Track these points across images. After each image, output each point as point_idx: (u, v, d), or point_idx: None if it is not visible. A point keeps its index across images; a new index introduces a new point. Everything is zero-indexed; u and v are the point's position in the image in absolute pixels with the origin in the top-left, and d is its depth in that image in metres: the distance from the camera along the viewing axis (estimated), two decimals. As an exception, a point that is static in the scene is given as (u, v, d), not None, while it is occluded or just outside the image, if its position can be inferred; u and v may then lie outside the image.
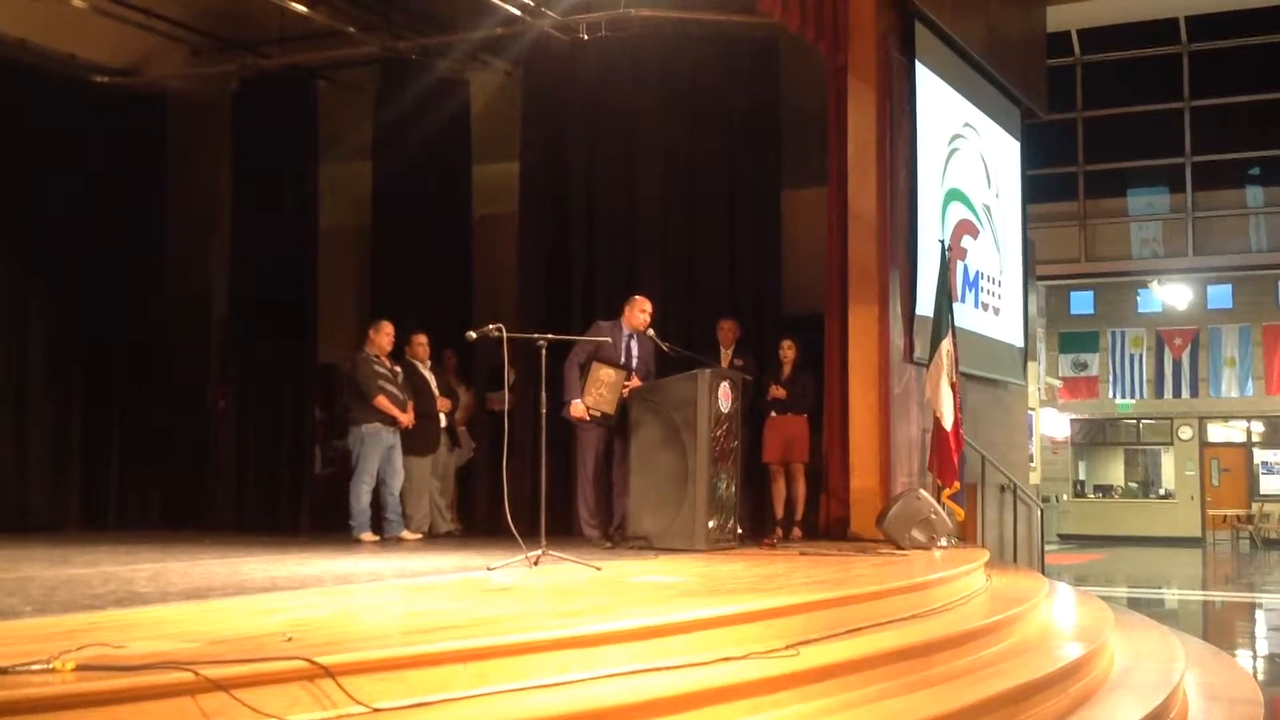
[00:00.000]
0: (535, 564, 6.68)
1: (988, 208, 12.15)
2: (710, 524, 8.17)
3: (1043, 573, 10.92)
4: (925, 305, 10.09)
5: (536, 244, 11.08)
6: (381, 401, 9.50)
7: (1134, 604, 13.16)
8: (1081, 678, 5.84)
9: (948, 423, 9.50)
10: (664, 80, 10.84)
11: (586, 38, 10.93)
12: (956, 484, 9.57)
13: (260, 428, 11.79)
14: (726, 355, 9.87)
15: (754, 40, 10.75)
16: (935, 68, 10.81)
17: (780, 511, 9.89)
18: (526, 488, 8.95)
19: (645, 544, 8.20)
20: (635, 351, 8.83)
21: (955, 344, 9.66)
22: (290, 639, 3.76)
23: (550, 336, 7.49)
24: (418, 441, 9.92)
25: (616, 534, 8.68)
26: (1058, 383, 28.92)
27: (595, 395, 8.50)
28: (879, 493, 9.48)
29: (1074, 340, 29.22)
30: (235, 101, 12.32)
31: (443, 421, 10.35)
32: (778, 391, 9.75)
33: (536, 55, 11.33)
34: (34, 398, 11.25)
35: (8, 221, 11.16)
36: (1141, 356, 28.10)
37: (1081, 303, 29.54)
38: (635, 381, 8.66)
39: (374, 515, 9.53)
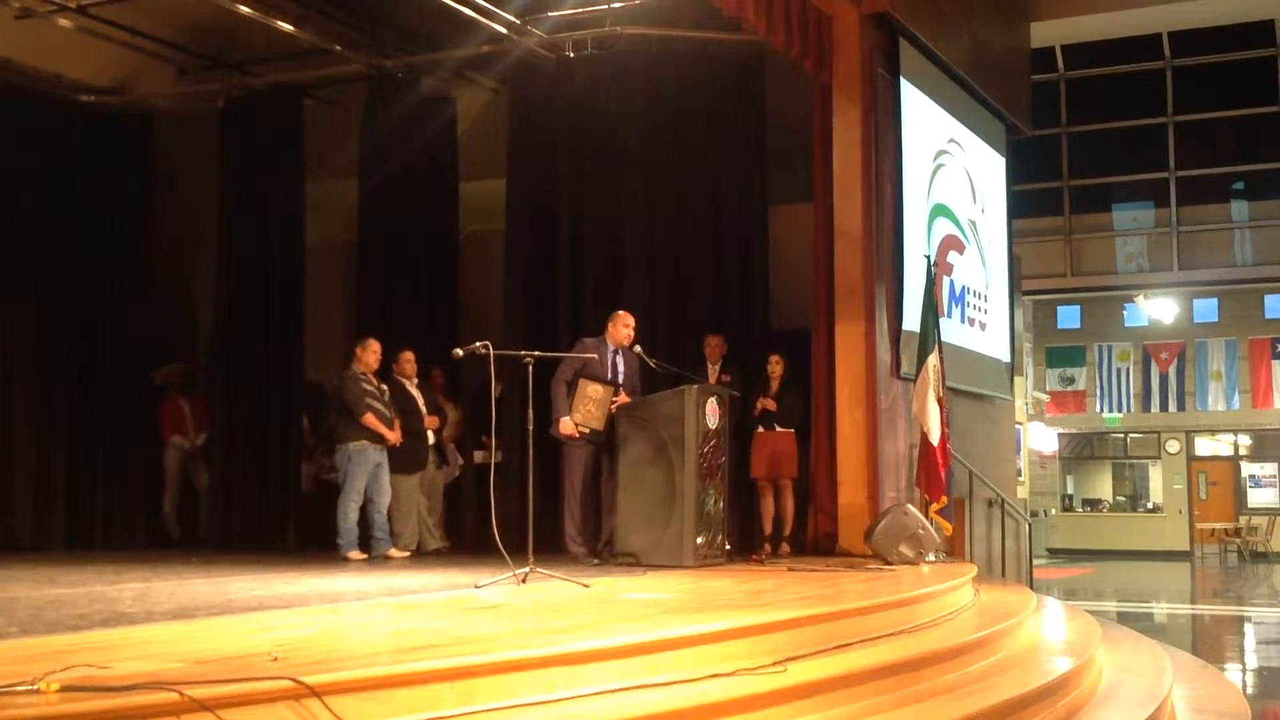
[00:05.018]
0: (523, 581, 6.67)
1: (973, 223, 12.19)
2: (698, 540, 8.17)
3: (1031, 587, 10.93)
4: (912, 320, 10.12)
5: (523, 260, 11.09)
6: (369, 419, 9.49)
7: (1122, 618, 13.17)
8: (1069, 692, 5.84)
9: (935, 437, 9.52)
10: (650, 97, 10.87)
11: (573, 55, 10.96)
12: (944, 499, 9.58)
13: (247, 446, 11.75)
14: (714, 371, 9.89)
15: (740, 57, 10.80)
16: (920, 84, 10.86)
17: (768, 527, 9.90)
18: (514, 505, 8.95)
19: (633, 561, 8.20)
20: (621, 367, 8.85)
21: (942, 359, 9.69)
22: (276, 658, 3.75)
23: (537, 353, 7.49)
24: (405, 459, 9.91)
25: (605, 551, 8.68)
26: (1045, 397, 28.99)
27: (584, 412, 8.51)
28: (867, 508, 9.50)
29: (1061, 355, 29.31)
30: (221, 120, 12.31)
31: (430, 439, 10.34)
32: (768, 403, 9.76)
33: (523, 73, 11.36)
34: (19, 418, 11.19)
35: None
36: (1128, 370, 28.20)
37: (1068, 317, 29.64)
38: (623, 397, 8.67)
39: (362, 533, 9.51)
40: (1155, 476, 30.04)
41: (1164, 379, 27.64)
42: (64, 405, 11.56)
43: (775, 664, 4.59)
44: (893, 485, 9.86)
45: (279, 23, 10.89)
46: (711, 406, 8.37)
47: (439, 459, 10.77)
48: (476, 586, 6.50)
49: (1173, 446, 29.33)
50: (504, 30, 10.72)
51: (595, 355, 8.73)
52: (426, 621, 5.17)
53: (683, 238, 10.74)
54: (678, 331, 10.50)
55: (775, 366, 9.87)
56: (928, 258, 10.28)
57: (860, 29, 10.00)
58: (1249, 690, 8.96)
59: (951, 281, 11.48)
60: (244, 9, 10.53)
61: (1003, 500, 12.34)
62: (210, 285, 12.34)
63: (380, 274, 11.86)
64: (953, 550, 10.12)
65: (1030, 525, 14.30)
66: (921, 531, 8.73)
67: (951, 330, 11.01)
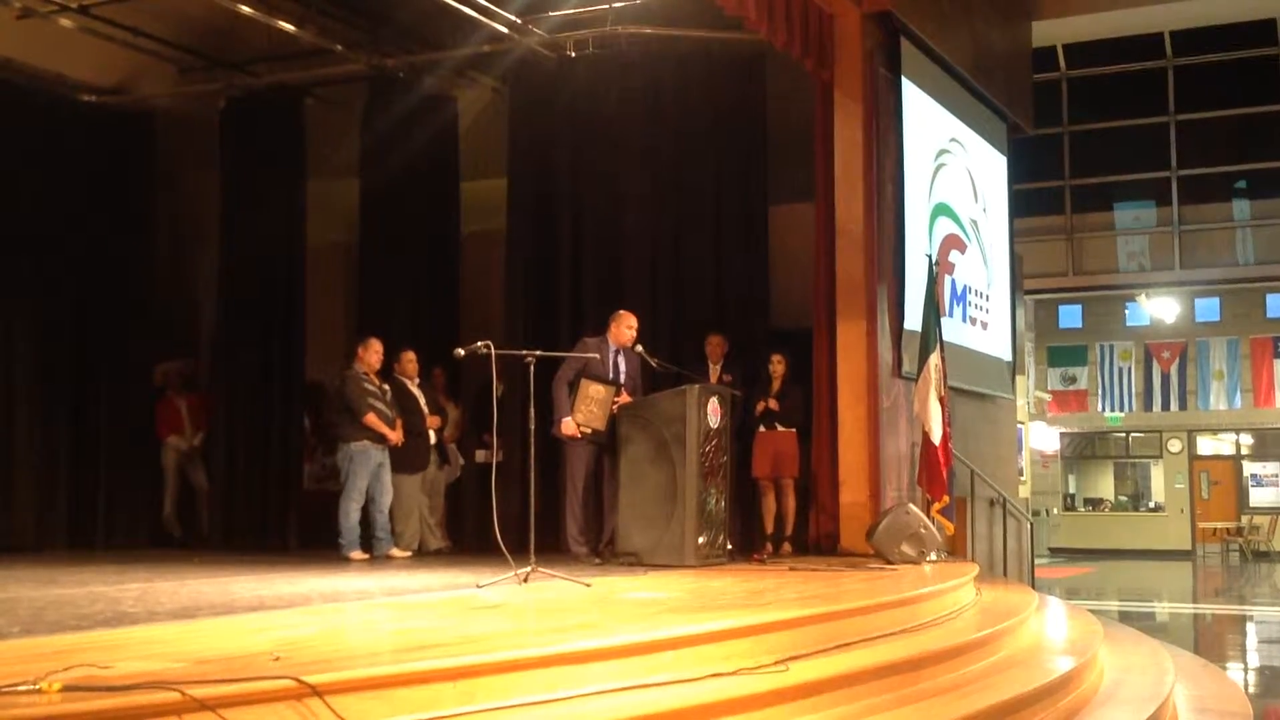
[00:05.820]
0: (525, 581, 6.67)
1: (975, 222, 12.19)
2: (700, 540, 8.17)
3: (1032, 587, 10.94)
4: (913, 320, 10.11)
5: (524, 260, 11.09)
6: (371, 419, 9.49)
7: (1124, 617, 13.16)
8: (1071, 691, 5.83)
9: (936, 437, 9.52)
10: (651, 96, 10.87)
11: (574, 55, 10.96)
12: (946, 498, 9.57)
13: (248, 446, 11.76)
14: (715, 370, 9.88)
15: (741, 56, 10.79)
16: (921, 83, 10.85)
17: (770, 527, 9.90)
18: (516, 505, 8.95)
19: (635, 560, 8.19)
20: (623, 367, 8.84)
21: (944, 358, 9.68)
22: (278, 658, 3.75)
23: (538, 353, 7.48)
24: (407, 459, 9.91)
25: (606, 550, 8.68)
26: (1047, 396, 28.97)
27: (586, 412, 8.51)
28: (868, 507, 9.49)
29: (1062, 354, 29.29)
30: (222, 120, 12.32)
31: (432, 439, 10.34)
32: (772, 404, 9.75)
33: (524, 72, 11.36)
34: (19, 418, 11.19)
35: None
36: (1130, 370, 28.18)
37: (1070, 316, 29.61)
38: (624, 397, 8.67)
39: (363, 533, 9.51)
40: (1157, 476, 30.02)
41: (1166, 378, 27.61)
42: (64, 405, 11.56)
43: (776, 663, 4.59)
44: (894, 484, 9.85)
45: (280, 22, 10.88)
46: (713, 406, 8.36)
47: (440, 459, 10.77)
48: (478, 586, 6.50)
49: (1174, 446, 29.32)
50: (505, 30, 10.71)
51: (597, 355, 8.73)
52: (428, 621, 5.17)
53: (683, 236, 10.74)
54: (678, 331, 10.50)
55: (777, 366, 9.86)
56: (929, 257, 10.28)
57: (861, 28, 10.00)
58: (1251, 690, 8.95)
59: (953, 281, 11.48)
60: (244, 9, 10.53)
61: (1004, 499, 12.34)
62: (211, 285, 12.35)
63: (381, 274, 11.86)
64: (954, 549, 10.11)
65: (1032, 524, 14.30)
66: (923, 531, 8.72)
67: (953, 329, 11.01)
